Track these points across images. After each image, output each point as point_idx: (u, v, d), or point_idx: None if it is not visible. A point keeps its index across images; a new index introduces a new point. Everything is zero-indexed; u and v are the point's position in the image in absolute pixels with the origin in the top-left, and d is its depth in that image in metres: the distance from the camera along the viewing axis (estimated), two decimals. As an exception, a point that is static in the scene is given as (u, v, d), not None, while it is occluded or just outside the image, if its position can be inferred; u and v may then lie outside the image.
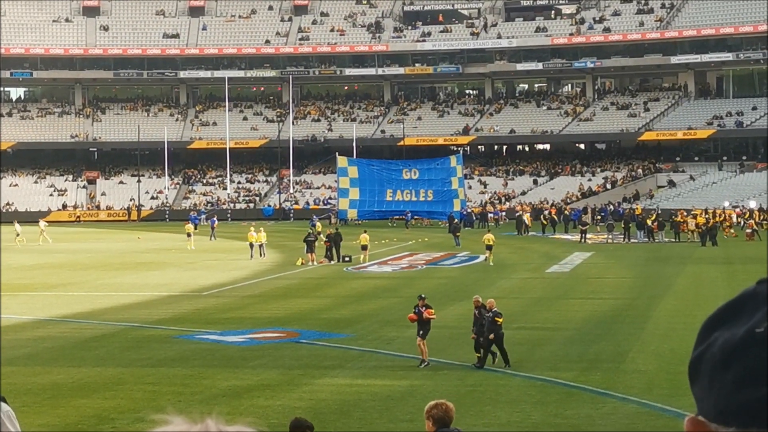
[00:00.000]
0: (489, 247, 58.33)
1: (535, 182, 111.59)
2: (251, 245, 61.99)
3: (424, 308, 28.08)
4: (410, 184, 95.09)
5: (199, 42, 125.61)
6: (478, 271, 55.00)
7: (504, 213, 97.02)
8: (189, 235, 70.70)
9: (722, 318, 1.66)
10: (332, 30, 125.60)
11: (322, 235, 63.32)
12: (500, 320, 27.37)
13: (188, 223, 76.71)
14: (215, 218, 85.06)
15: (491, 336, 27.21)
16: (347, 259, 59.20)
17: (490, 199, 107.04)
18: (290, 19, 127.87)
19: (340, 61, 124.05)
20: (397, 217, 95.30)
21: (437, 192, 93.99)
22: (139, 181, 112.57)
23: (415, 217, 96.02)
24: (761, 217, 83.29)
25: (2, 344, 30.87)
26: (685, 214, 78.77)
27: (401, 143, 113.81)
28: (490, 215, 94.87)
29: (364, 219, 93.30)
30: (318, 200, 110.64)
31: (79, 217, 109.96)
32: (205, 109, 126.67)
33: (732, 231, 76.70)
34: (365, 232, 62.33)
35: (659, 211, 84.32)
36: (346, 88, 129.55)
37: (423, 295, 29.13)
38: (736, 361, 1.58)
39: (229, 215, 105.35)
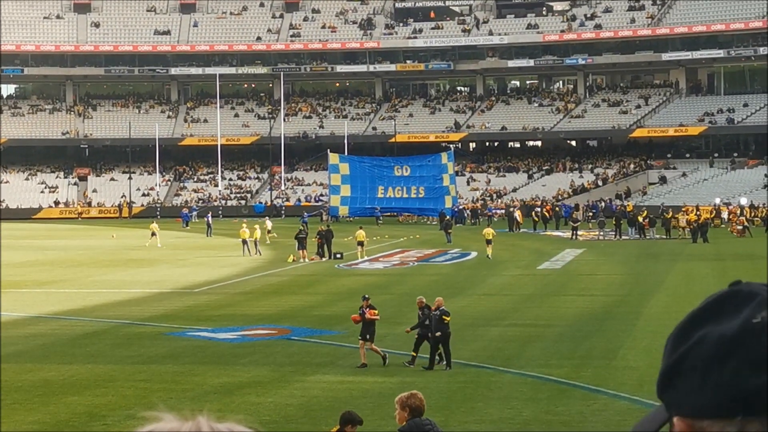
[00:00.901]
0: (489, 242, 59.22)
1: (531, 177, 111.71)
2: (244, 242, 62.02)
3: (367, 309, 27.69)
4: (402, 181, 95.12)
5: (191, 39, 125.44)
6: (470, 267, 55.02)
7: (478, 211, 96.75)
8: (153, 234, 70.25)
9: (702, 318, 1.66)
10: (323, 27, 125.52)
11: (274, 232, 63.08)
12: (447, 318, 26.89)
13: (153, 222, 76.27)
14: (210, 215, 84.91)
15: (438, 333, 26.71)
16: (339, 256, 59.22)
17: (481, 196, 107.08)
18: (281, 16, 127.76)
19: (332, 57, 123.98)
20: (388, 214, 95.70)
21: (428, 189, 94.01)
22: (130, 178, 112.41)
23: (405, 214, 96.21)
24: (752, 214, 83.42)
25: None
26: (688, 210, 78.43)
27: (392, 140, 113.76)
28: (487, 211, 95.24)
29: (356, 216, 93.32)
30: (309, 197, 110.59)
31: (81, 213, 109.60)
32: (196, 106, 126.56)
33: (737, 227, 75.81)
34: (361, 228, 62.49)
35: (664, 208, 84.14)
36: (337, 84, 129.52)
37: (367, 296, 28.78)
38: (736, 352, 1.57)
39: (220, 212, 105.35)
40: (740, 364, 1.56)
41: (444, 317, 26.73)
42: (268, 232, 72.40)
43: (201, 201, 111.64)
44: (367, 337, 27.38)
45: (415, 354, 27.15)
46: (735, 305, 1.64)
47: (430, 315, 26.94)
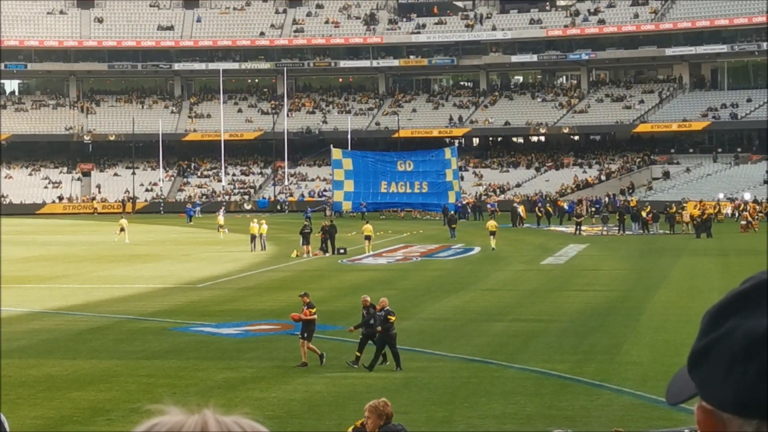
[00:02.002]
0: (492, 233, 60.83)
1: (539, 170, 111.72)
2: (253, 237, 61.86)
3: (306, 307, 27.07)
4: (405, 176, 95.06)
5: (194, 34, 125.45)
6: (473, 263, 55.01)
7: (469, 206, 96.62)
8: (122, 229, 70.38)
9: (736, 306, 1.63)
10: (327, 22, 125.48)
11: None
12: (393, 318, 26.20)
13: (122, 218, 76.03)
14: (222, 210, 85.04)
15: (379, 328, 26.07)
16: (342, 251, 59.23)
17: (485, 191, 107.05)
18: (285, 11, 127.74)
19: (335, 53, 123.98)
20: (389, 209, 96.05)
21: (432, 184, 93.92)
22: (133, 173, 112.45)
23: (407, 209, 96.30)
24: (757, 209, 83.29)
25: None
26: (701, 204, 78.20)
27: (396, 135, 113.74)
28: (488, 206, 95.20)
29: (359, 211, 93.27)
30: (313, 192, 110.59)
31: (96, 209, 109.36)
32: (199, 101, 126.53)
33: (742, 222, 75.17)
34: (368, 222, 62.76)
35: (683, 202, 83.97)
36: (340, 80, 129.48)
37: (305, 293, 28.10)
38: (761, 353, 1.55)
39: (223, 207, 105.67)
40: (763, 368, 1.54)
41: (389, 317, 26.10)
42: (220, 227, 73.65)
43: (204, 196, 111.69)
44: (305, 335, 26.75)
45: (359, 354, 26.43)
46: None
47: (375, 315, 26.35)
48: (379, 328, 26.12)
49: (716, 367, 1.60)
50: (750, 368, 1.55)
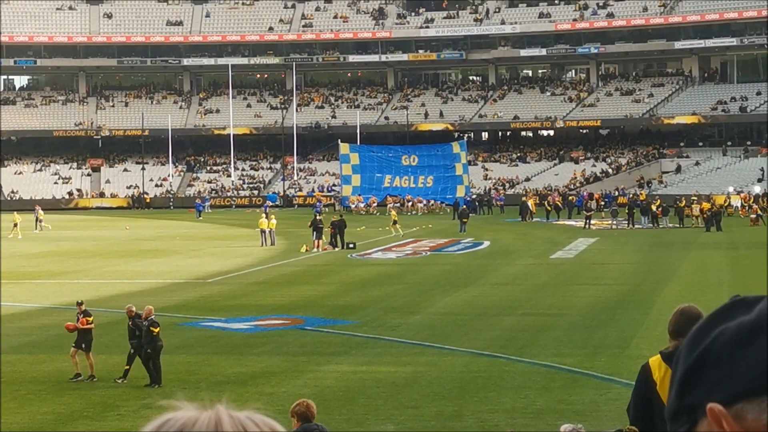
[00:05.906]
0: (394, 221, 68.43)
1: (560, 160, 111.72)
2: (262, 232, 61.77)
3: (81, 315, 25.71)
4: (409, 171, 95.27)
5: (203, 29, 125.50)
6: (483, 257, 55.00)
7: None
8: (15, 224, 70.76)
9: (714, 322, 1.68)
10: (335, 17, 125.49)
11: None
12: (156, 330, 24.35)
13: (15, 212, 75.70)
14: (267, 204, 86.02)
15: (149, 350, 24.29)
16: (351, 246, 59.25)
17: (494, 185, 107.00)
18: (293, 6, 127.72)
19: (344, 47, 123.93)
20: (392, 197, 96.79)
21: (437, 178, 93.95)
22: (143, 168, 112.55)
23: (420, 199, 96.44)
24: (766, 203, 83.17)
25: (6, 332, 30.94)
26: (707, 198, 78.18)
27: (405, 130, 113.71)
28: (495, 200, 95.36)
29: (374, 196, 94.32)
30: (322, 187, 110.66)
31: (137, 202, 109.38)
32: (208, 97, 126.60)
33: (752, 216, 74.86)
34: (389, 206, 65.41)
35: (692, 199, 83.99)
36: (349, 74, 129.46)
37: (81, 301, 26.88)
38: (761, 333, 1.59)
39: (233, 203, 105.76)
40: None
41: (152, 329, 24.34)
42: (39, 221, 75.53)
43: (214, 192, 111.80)
44: (83, 346, 25.41)
45: (127, 367, 24.98)
46: (744, 307, 1.66)
47: (141, 325, 24.72)
48: (149, 350, 24.47)
49: (718, 366, 1.62)
50: (754, 348, 1.58)
